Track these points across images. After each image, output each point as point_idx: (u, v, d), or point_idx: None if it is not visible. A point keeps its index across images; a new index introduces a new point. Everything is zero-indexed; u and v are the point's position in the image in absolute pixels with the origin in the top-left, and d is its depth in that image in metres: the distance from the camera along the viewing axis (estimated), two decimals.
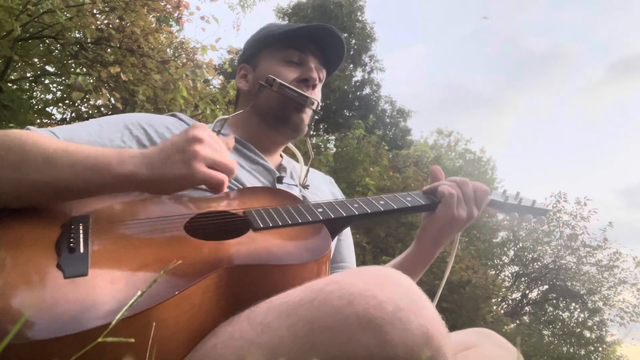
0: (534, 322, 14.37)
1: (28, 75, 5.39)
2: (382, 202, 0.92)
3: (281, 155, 1.21)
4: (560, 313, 14.26)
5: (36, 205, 0.73)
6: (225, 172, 0.73)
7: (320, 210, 0.84)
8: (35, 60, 4.96)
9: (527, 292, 14.59)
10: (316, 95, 1.10)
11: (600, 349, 13.46)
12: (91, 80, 3.93)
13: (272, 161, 1.12)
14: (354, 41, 13.42)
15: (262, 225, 0.76)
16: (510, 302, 14.56)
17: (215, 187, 0.71)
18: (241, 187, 0.96)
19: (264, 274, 0.66)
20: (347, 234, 1.21)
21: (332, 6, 13.22)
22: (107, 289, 0.57)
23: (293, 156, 1.25)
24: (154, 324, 0.55)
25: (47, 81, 5.53)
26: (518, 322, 13.92)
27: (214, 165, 0.72)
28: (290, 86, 1.04)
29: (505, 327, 10.27)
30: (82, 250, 0.64)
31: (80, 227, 0.70)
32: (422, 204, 0.96)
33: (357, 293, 0.50)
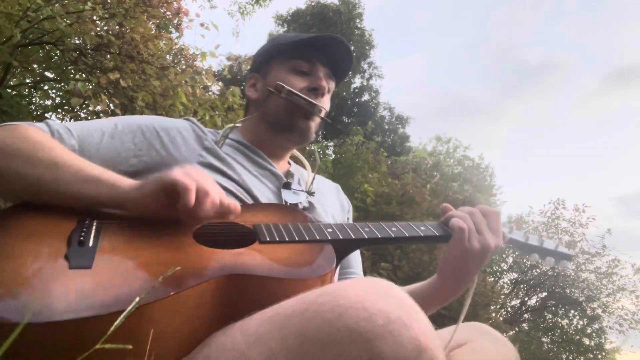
0: (533, 329, 14.32)
1: (27, 81, 5.40)
2: (394, 229, 0.90)
3: (289, 162, 1.22)
4: (559, 320, 14.22)
5: (39, 202, 0.77)
6: (200, 196, 0.72)
7: (329, 230, 0.83)
8: (35, 66, 4.97)
9: (526, 299, 14.56)
10: (325, 103, 1.11)
11: (599, 356, 13.41)
12: (90, 86, 3.94)
13: (279, 167, 1.13)
14: (352, 48, 13.47)
15: (268, 239, 0.76)
16: (509, 309, 14.51)
17: (181, 189, 0.70)
18: (247, 192, 0.97)
19: (263, 286, 0.66)
20: None
21: (331, 13, 13.30)
22: (106, 283, 0.59)
23: (300, 163, 1.25)
24: (149, 324, 0.55)
25: (46, 87, 5.54)
26: (517, 329, 13.85)
27: (197, 184, 0.72)
28: (299, 93, 1.05)
29: (504, 334, 10.23)
30: (90, 244, 0.67)
31: (94, 224, 0.72)
32: (436, 234, 0.92)
33: (348, 305, 0.50)
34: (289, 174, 1.12)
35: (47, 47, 4.65)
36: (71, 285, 0.57)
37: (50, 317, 0.51)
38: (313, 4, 13.81)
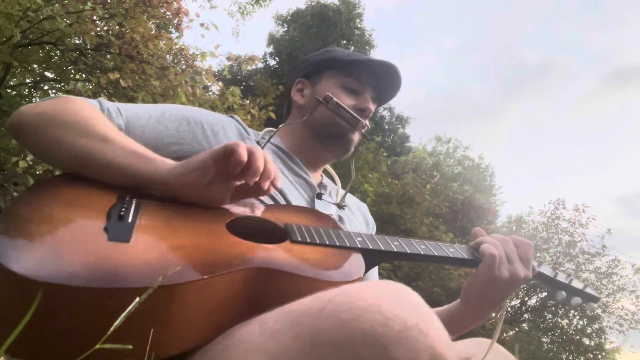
0: (533, 330, 14.32)
1: (27, 81, 5.40)
2: (422, 247, 0.89)
3: (321, 175, 1.24)
4: (559, 320, 14.20)
5: (81, 174, 0.78)
6: (254, 165, 0.73)
7: (359, 239, 0.84)
8: (35, 66, 4.97)
9: (526, 299, 14.55)
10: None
11: (599, 356, 13.41)
12: (90, 87, 3.94)
13: (314, 177, 1.14)
14: (352, 48, 13.47)
15: (299, 239, 0.77)
16: (509, 309, 14.51)
17: (234, 156, 0.71)
18: (282, 195, 0.98)
19: (293, 283, 0.66)
20: None
21: (331, 13, 13.29)
22: (141, 259, 0.60)
23: (331, 177, 1.28)
24: (178, 304, 0.56)
25: (46, 87, 5.54)
26: (517, 329, 13.85)
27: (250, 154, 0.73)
28: (345, 107, 1.08)
29: (504, 335, 10.25)
30: (130, 220, 0.68)
31: (134, 201, 0.74)
32: (464, 257, 0.92)
33: (365, 308, 0.49)
34: (321, 186, 1.15)
35: (47, 47, 4.65)
36: (107, 256, 0.58)
37: (88, 282, 0.52)
38: (313, 4, 13.80)
